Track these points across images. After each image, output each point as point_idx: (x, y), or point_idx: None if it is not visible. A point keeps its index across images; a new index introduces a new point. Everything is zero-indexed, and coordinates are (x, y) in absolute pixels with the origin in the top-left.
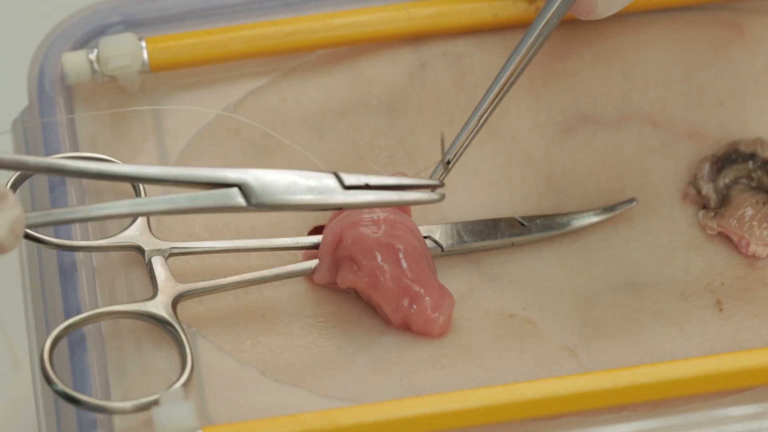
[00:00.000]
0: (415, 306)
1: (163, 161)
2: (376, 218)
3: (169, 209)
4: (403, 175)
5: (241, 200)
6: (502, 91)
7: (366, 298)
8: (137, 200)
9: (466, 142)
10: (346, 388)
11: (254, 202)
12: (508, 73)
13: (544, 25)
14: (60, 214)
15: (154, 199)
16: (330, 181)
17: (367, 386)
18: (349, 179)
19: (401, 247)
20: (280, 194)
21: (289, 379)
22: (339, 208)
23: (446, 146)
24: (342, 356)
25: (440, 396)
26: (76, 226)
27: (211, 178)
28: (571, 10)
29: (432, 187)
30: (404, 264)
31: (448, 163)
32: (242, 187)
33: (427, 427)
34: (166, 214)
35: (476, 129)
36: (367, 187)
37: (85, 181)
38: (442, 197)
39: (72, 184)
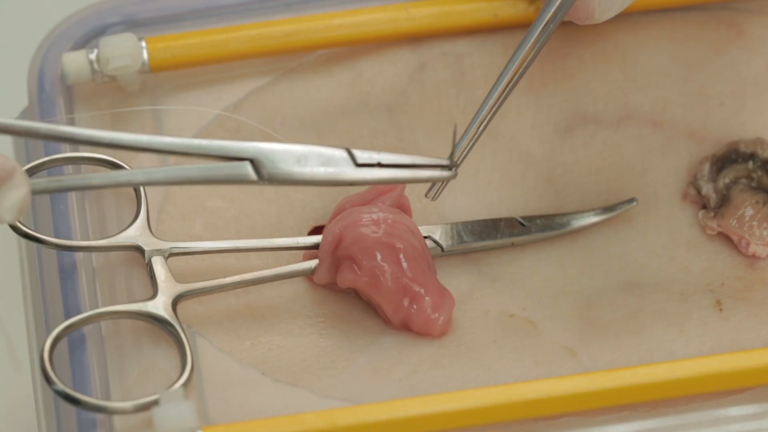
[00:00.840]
0: (415, 306)
1: (164, 161)
2: (376, 218)
3: (180, 179)
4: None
5: (252, 174)
6: (503, 95)
7: (366, 298)
8: (150, 169)
9: (468, 146)
10: (346, 388)
11: (266, 176)
12: (508, 76)
13: (543, 28)
14: (69, 180)
15: (165, 169)
16: (342, 158)
17: (367, 386)
18: (362, 156)
19: (401, 247)
20: (291, 168)
21: (289, 379)
22: (351, 184)
23: (457, 139)
24: (342, 356)
25: (440, 396)
26: (76, 226)
27: (223, 151)
28: (569, 15)
29: (445, 167)
30: (404, 264)
31: (454, 164)
32: (254, 161)
33: (427, 427)
34: (177, 184)
35: (478, 133)
36: (379, 165)
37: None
38: (455, 174)
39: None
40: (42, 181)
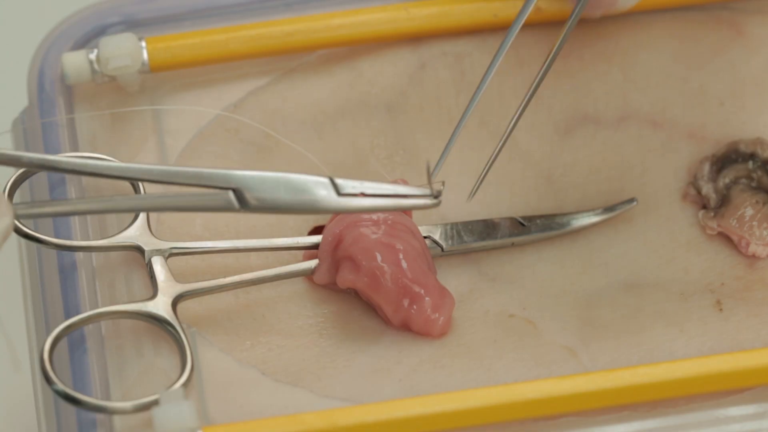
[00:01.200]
0: (415, 306)
1: (164, 161)
2: (376, 219)
3: (166, 206)
4: (403, 182)
5: (235, 203)
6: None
7: (366, 299)
8: (135, 196)
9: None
10: (346, 388)
11: (250, 205)
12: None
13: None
14: (53, 205)
15: (151, 196)
16: (325, 187)
17: (367, 386)
18: (345, 186)
19: (401, 248)
20: (274, 197)
21: (289, 379)
22: (334, 212)
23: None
24: (342, 356)
25: (440, 396)
26: (76, 226)
27: (206, 180)
28: (589, 8)
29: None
30: (404, 264)
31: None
32: (236, 191)
33: (427, 427)
34: (162, 210)
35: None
36: (362, 195)
37: (84, 181)
38: (439, 202)
39: (72, 184)
40: (25, 205)
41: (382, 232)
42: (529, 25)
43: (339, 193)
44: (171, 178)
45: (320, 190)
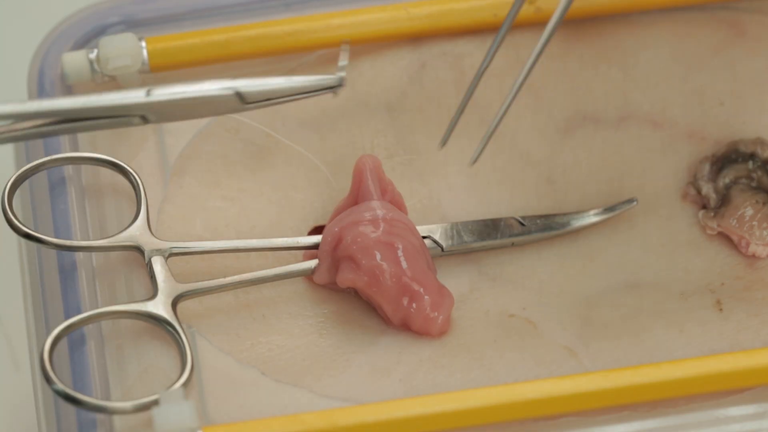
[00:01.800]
0: (414, 305)
1: (164, 161)
2: (375, 217)
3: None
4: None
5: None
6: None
7: (366, 298)
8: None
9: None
10: (346, 388)
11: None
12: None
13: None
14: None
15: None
16: (231, 98)
17: (367, 386)
18: (250, 95)
19: (400, 246)
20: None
21: (289, 379)
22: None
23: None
24: (342, 356)
25: (440, 396)
26: (76, 226)
27: (114, 109)
28: None
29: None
30: (404, 263)
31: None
32: (144, 112)
33: (427, 427)
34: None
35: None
36: (268, 101)
37: (85, 181)
38: (340, 80)
39: (72, 184)
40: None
41: (381, 231)
42: (529, 25)
43: (246, 103)
44: (82, 114)
45: (226, 102)
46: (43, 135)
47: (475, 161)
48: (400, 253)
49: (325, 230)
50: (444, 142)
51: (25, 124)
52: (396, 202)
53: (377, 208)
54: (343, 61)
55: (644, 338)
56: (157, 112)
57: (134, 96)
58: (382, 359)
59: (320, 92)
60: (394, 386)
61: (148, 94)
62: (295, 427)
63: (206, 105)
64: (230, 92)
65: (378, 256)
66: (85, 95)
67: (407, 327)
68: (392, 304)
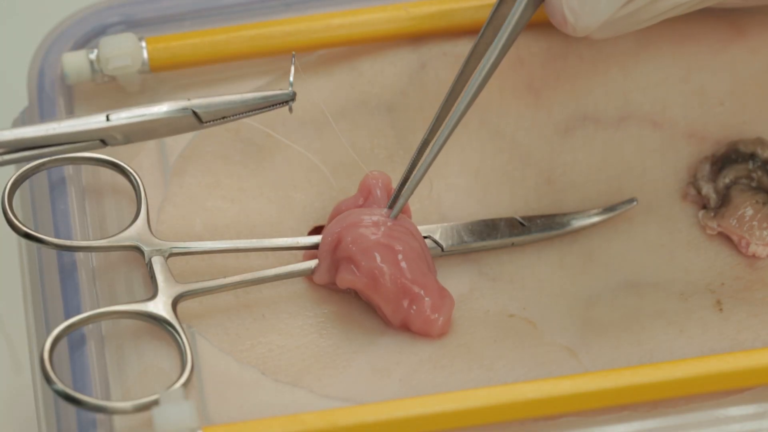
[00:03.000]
0: (414, 307)
1: (164, 161)
2: (375, 220)
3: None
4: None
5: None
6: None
7: (365, 299)
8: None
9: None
10: (346, 388)
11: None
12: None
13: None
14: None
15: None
16: (188, 118)
17: (367, 386)
18: (205, 114)
19: (400, 248)
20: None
21: (289, 379)
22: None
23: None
24: (342, 356)
25: (440, 396)
26: (76, 226)
27: (75, 136)
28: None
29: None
30: (403, 265)
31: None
32: (104, 137)
33: (427, 427)
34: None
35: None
36: (224, 118)
37: (85, 181)
38: (293, 95)
39: (72, 184)
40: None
41: (382, 233)
42: (528, 25)
43: (203, 122)
44: (45, 142)
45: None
46: (2, 164)
47: (395, 216)
48: (400, 255)
49: (325, 231)
50: (392, 206)
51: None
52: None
53: (379, 211)
54: (291, 76)
55: (644, 338)
56: (119, 135)
57: (94, 122)
58: (382, 359)
59: (274, 107)
60: (394, 386)
61: (107, 119)
62: (295, 427)
63: (165, 126)
64: (186, 113)
65: (377, 258)
66: (45, 123)
67: (407, 328)
68: (391, 306)
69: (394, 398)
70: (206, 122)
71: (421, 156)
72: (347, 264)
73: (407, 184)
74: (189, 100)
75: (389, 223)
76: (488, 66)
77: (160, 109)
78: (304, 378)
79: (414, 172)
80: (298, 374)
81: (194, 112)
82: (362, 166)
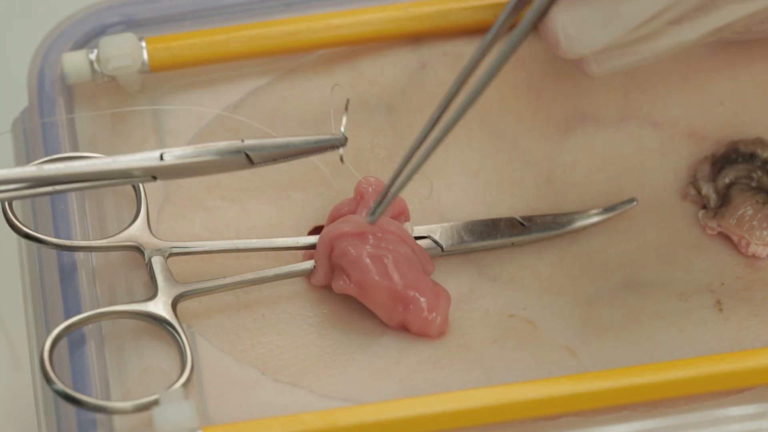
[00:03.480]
0: (411, 309)
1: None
2: (362, 230)
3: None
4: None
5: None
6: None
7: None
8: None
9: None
10: (346, 388)
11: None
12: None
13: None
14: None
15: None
16: (240, 159)
17: (367, 386)
18: (257, 156)
19: (390, 257)
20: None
21: (289, 379)
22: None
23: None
24: (342, 356)
25: (440, 396)
26: (76, 226)
27: (128, 172)
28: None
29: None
30: (393, 273)
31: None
32: (156, 174)
33: (427, 427)
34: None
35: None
36: (275, 161)
37: None
38: (345, 140)
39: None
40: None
41: (369, 244)
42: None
43: (253, 163)
44: (98, 176)
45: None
46: (52, 192)
47: (373, 220)
48: (389, 264)
49: (320, 236)
50: (373, 214)
51: (41, 189)
52: (402, 209)
53: (365, 221)
54: (343, 125)
55: (644, 338)
56: (170, 173)
57: (149, 158)
58: (382, 359)
59: (325, 151)
60: (394, 386)
61: (161, 158)
62: (295, 427)
63: (216, 166)
64: (239, 155)
65: (365, 270)
66: (98, 158)
67: (405, 330)
68: (386, 313)
69: (394, 398)
70: (257, 164)
71: (410, 160)
72: (339, 272)
73: (391, 188)
74: (243, 141)
75: (378, 233)
76: (484, 76)
77: (214, 149)
78: (304, 378)
79: (400, 176)
80: (298, 374)
81: (246, 155)
82: (353, 170)
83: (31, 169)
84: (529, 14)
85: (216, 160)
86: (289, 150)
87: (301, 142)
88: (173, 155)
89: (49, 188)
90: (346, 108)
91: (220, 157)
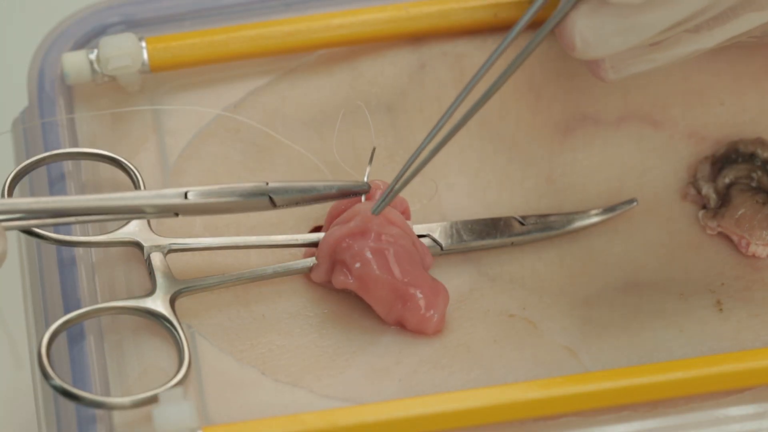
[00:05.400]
0: (408, 306)
1: (163, 161)
2: (367, 224)
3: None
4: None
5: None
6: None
7: (362, 299)
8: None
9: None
10: (346, 388)
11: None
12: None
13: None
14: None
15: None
16: (262, 201)
17: (367, 386)
18: (280, 200)
19: (391, 251)
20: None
21: (289, 379)
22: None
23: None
24: (342, 356)
25: (440, 396)
26: None
27: (152, 207)
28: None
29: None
30: (395, 268)
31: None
32: (179, 211)
33: (427, 427)
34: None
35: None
36: (296, 204)
37: (84, 177)
38: (369, 188)
39: (72, 180)
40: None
41: (372, 238)
42: (528, 26)
43: (275, 206)
44: (123, 210)
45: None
46: (75, 222)
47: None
48: (391, 259)
49: (325, 235)
50: (377, 209)
51: (63, 219)
52: (402, 208)
53: (371, 217)
54: (367, 174)
55: (644, 338)
56: (194, 211)
57: (174, 195)
58: (381, 359)
59: (348, 197)
60: (394, 386)
61: (185, 196)
62: (295, 427)
63: (239, 206)
64: (263, 198)
65: (367, 263)
66: (121, 192)
67: (403, 327)
68: (384, 308)
69: (394, 398)
70: (279, 206)
71: (419, 156)
72: (340, 267)
73: (395, 184)
74: (267, 184)
75: (383, 225)
76: (497, 78)
77: (239, 190)
78: (304, 378)
79: (404, 175)
80: (298, 374)
81: (270, 198)
82: (349, 170)
83: (56, 199)
84: (551, 19)
85: (239, 201)
86: (312, 195)
87: (325, 187)
88: (197, 194)
89: (72, 218)
90: (371, 160)
91: (243, 199)
